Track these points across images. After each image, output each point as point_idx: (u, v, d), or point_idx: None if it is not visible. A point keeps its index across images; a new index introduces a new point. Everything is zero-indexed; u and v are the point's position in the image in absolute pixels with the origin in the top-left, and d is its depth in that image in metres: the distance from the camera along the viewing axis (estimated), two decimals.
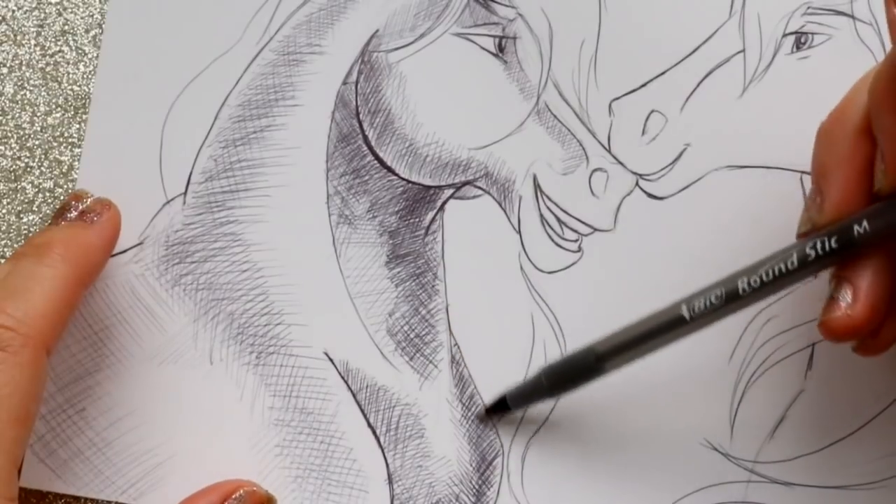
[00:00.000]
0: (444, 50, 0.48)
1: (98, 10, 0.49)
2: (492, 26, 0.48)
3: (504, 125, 0.48)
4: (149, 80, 0.48)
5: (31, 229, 0.48)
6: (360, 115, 0.48)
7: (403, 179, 0.48)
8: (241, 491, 0.44)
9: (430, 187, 0.48)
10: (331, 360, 0.47)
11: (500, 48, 0.48)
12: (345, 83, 0.48)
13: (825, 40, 0.48)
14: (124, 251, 0.47)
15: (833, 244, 0.39)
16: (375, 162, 0.48)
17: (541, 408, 0.47)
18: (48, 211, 0.48)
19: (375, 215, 0.47)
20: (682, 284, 0.47)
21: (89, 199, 0.45)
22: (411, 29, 0.48)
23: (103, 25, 0.48)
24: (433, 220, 0.48)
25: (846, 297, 0.39)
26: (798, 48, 0.48)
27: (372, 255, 0.47)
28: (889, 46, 0.39)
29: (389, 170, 0.48)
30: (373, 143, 0.48)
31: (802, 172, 0.47)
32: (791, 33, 0.48)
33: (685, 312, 0.41)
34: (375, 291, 0.47)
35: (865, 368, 0.47)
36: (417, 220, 0.48)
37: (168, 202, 0.47)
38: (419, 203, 0.48)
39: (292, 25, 0.48)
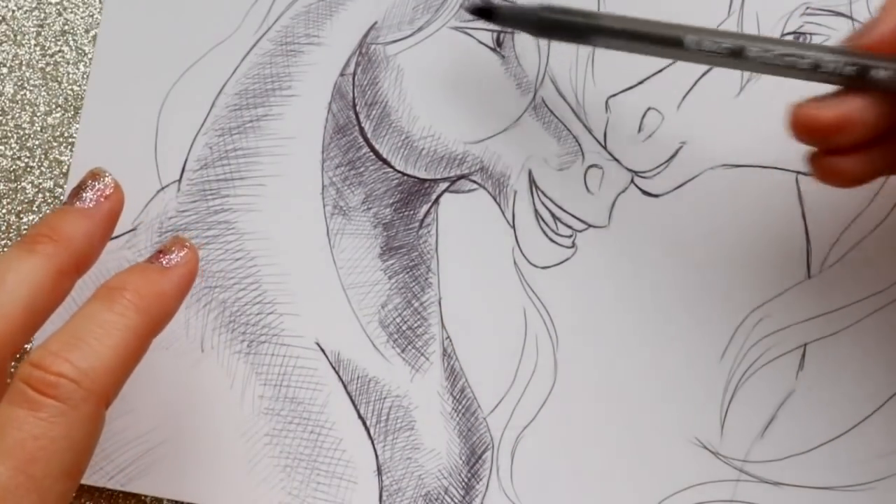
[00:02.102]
0: (442, 43, 0.48)
1: (98, 10, 0.49)
2: None
3: (500, 120, 0.48)
4: (146, 66, 0.48)
5: None
6: (357, 107, 0.48)
7: (399, 172, 0.48)
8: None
9: (425, 180, 0.48)
10: (322, 350, 0.47)
11: (498, 43, 0.48)
12: (342, 75, 0.48)
13: (823, 41, 0.48)
14: (117, 237, 0.47)
15: (848, 70, 0.40)
16: (371, 154, 0.48)
17: (531, 403, 0.47)
18: (48, 211, 0.48)
19: (370, 207, 0.47)
20: (676, 282, 0.47)
21: (174, 246, 0.43)
22: (410, 22, 0.48)
23: (101, 13, 0.48)
24: (428, 213, 0.48)
25: (828, 101, 0.40)
26: None
27: (366, 247, 0.47)
28: None
29: (385, 162, 0.48)
30: (369, 135, 0.48)
31: (798, 172, 0.47)
32: (789, 33, 0.48)
33: (689, 43, 0.41)
34: (368, 283, 0.47)
35: (856, 370, 0.47)
36: (412, 212, 0.48)
37: (162, 189, 0.47)
38: (414, 196, 0.48)
39: (291, 16, 0.48)
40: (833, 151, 0.40)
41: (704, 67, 0.47)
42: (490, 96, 0.48)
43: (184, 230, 0.47)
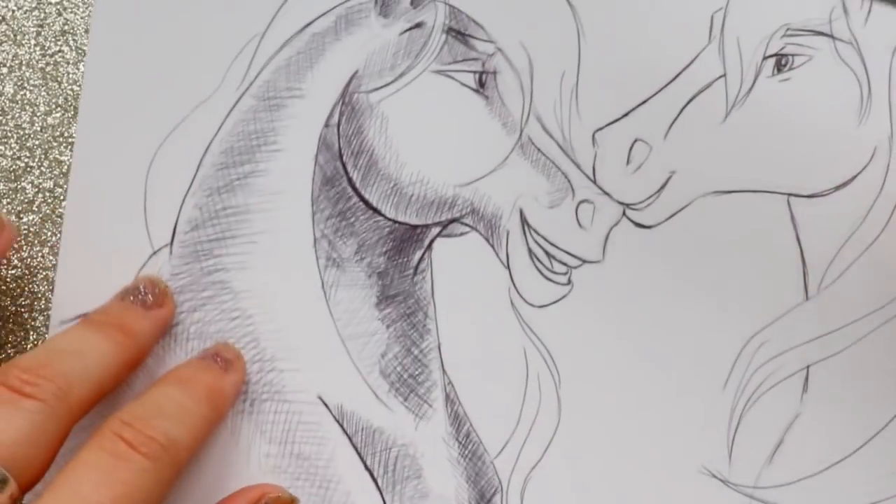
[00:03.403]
0: (425, 88, 0.48)
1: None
2: (471, 62, 0.48)
3: (488, 161, 0.48)
4: (130, 130, 0.48)
5: (31, 229, 0.48)
6: (344, 157, 0.48)
7: (390, 220, 0.47)
8: (267, 497, 0.44)
9: (416, 226, 0.47)
10: (325, 404, 0.47)
11: (481, 83, 0.48)
12: (327, 125, 0.48)
13: (805, 61, 0.47)
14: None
15: None
16: (361, 203, 0.47)
17: (537, 443, 0.47)
18: (48, 211, 0.48)
19: (363, 257, 0.47)
20: (674, 312, 0.47)
21: (223, 348, 0.46)
22: (391, 68, 0.48)
23: (82, 81, 0.48)
24: (421, 258, 0.47)
25: None
26: (779, 70, 0.47)
27: (361, 297, 0.47)
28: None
29: (375, 211, 0.47)
30: (357, 185, 0.48)
31: (789, 195, 0.47)
32: (771, 55, 0.47)
33: None
34: (367, 333, 0.47)
35: (861, 388, 0.47)
36: (405, 259, 0.47)
37: (154, 253, 0.47)
38: (406, 242, 0.47)
39: (272, 70, 0.48)
40: None
41: (689, 95, 0.47)
42: (476, 138, 0.48)
43: (179, 293, 0.47)
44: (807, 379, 0.47)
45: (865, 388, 0.47)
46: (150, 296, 0.46)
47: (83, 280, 0.47)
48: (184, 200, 0.47)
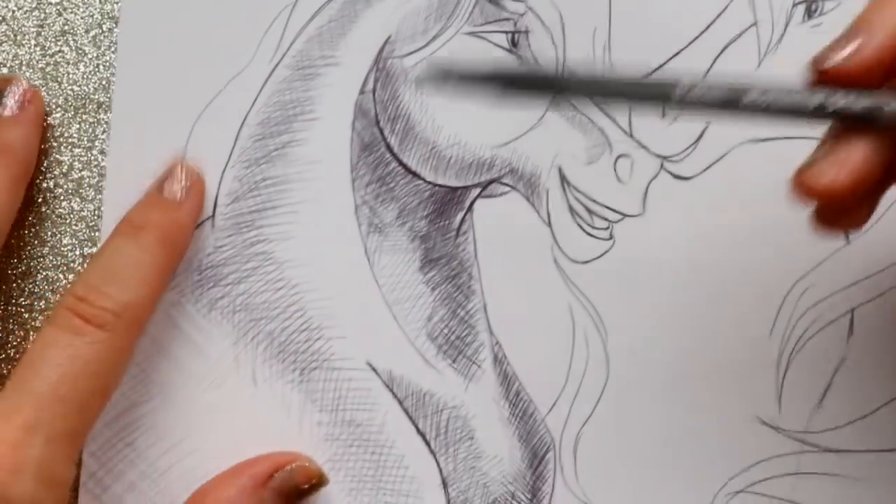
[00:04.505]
0: (458, 50, 0.48)
1: (98, 10, 0.49)
2: (503, 22, 0.48)
3: (524, 120, 0.48)
4: (166, 107, 0.47)
5: (31, 229, 0.48)
6: (381, 123, 0.48)
7: (429, 183, 0.48)
8: (294, 465, 0.45)
9: (456, 188, 0.48)
10: (374, 370, 0.47)
11: (514, 43, 0.48)
12: (362, 92, 0.48)
13: (835, 6, 0.47)
14: None
15: (861, 109, 0.36)
16: (400, 168, 0.48)
17: (587, 399, 0.47)
18: (48, 211, 0.48)
19: (405, 221, 0.47)
20: (716, 262, 0.47)
21: (178, 170, 0.46)
22: (423, 32, 0.48)
23: (115, 50, 0.48)
24: (463, 220, 0.47)
25: (832, 161, 0.36)
26: (809, 17, 0.48)
27: (405, 262, 0.47)
28: None
29: (415, 175, 0.48)
30: (395, 150, 0.48)
31: None
32: (801, 2, 0.48)
33: (676, 94, 0.37)
34: (412, 297, 0.47)
35: None
36: (447, 222, 0.47)
37: (196, 227, 0.47)
38: (447, 205, 0.48)
39: (304, 40, 0.48)
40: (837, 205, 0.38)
41: (721, 45, 0.47)
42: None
43: (223, 265, 0.47)
44: (852, 322, 0.47)
45: None
46: (11, 98, 0.46)
47: None
48: (223, 173, 0.47)
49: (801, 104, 0.37)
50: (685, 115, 0.39)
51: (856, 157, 0.36)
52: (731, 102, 0.37)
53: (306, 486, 0.45)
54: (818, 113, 0.37)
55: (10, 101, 0.46)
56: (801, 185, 0.37)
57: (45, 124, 0.47)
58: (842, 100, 0.36)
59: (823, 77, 0.37)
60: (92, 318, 0.42)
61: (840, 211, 0.38)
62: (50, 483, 0.40)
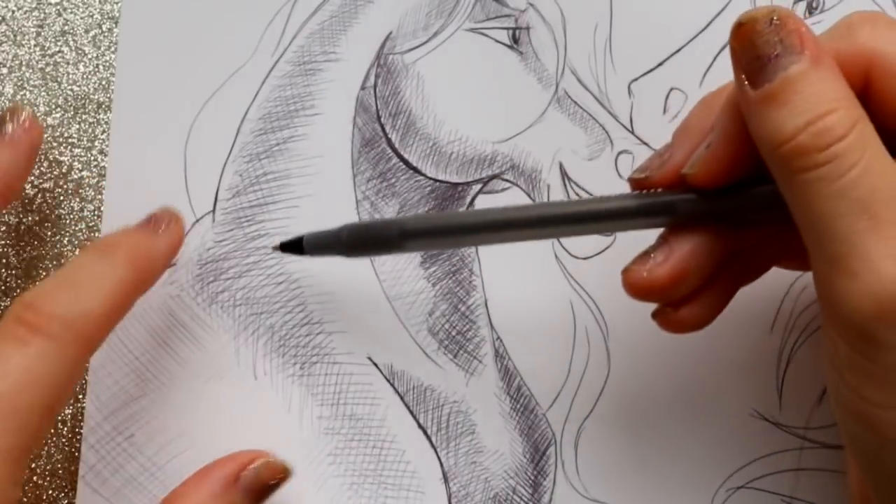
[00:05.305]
0: (459, 46, 0.48)
1: (98, 10, 0.49)
2: (504, 18, 0.48)
3: (525, 116, 0.48)
4: (166, 106, 0.48)
5: (32, 229, 0.48)
6: (382, 119, 0.48)
7: (431, 179, 0.48)
8: (258, 462, 0.44)
9: (457, 184, 0.48)
10: (375, 364, 0.47)
11: (515, 39, 0.48)
12: (363, 88, 0.48)
13: (836, 3, 0.48)
14: None
15: (657, 207, 0.40)
16: (401, 164, 0.48)
17: (588, 394, 0.47)
18: (48, 211, 0.48)
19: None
20: None
21: (164, 216, 0.45)
22: (424, 28, 0.48)
23: (115, 50, 0.48)
24: None
25: (658, 257, 0.39)
26: (810, 13, 0.48)
27: (406, 257, 0.47)
28: None
29: (416, 170, 0.48)
30: (397, 146, 0.48)
31: None
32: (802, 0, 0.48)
33: (493, 226, 0.41)
34: (413, 292, 0.47)
35: None
36: None
37: (197, 221, 0.47)
38: (448, 201, 0.48)
39: (305, 35, 0.48)
40: (674, 301, 0.40)
41: (722, 41, 0.47)
42: (512, 94, 0.48)
43: (223, 260, 0.47)
44: None
45: None
46: (11, 125, 0.45)
47: None
48: (224, 168, 0.47)
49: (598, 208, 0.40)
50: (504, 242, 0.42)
51: (681, 251, 0.39)
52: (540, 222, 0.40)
53: (273, 482, 0.44)
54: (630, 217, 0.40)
55: (10, 127, 0.45)
56: (632, 284, 0.40)
57: (35, 153, 0.46)
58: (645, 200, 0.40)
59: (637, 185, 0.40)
60: (38, 326, 0.38)
61: (673, 306, 0.40)
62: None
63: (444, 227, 0.41)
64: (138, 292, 0.42)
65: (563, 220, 0.40)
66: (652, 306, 0.41)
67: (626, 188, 0.47)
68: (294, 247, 0.44)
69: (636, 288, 0.40)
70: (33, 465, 0.46)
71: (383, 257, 0.47)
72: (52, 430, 0.46)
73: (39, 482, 0.46)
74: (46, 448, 0.46)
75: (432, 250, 0.44)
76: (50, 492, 0.46)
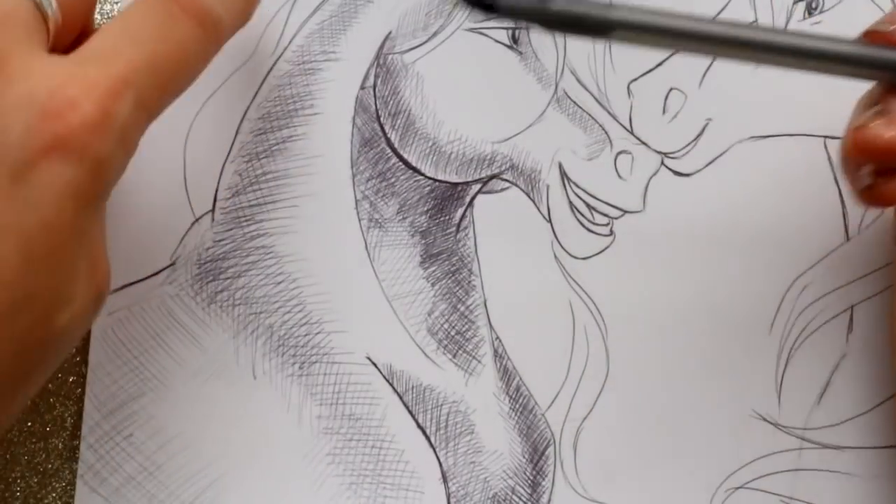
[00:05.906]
0: (459, 46, 0.48)
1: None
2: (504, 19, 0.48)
3: (525, 116, 0.48)
4: None
5: None
6: (381, 119, 0.48)
7: (430, 178, 0.48)
8: None
9: (457, 184, 0.48)
10: (374, 364, 0.47)
11: (514, 39, 0.48)
12: (363, 88, 0.48)
13: (836, 3, 0.48)
14: (157, 273, 0.47)
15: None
16: (400, 163, 0.48)
17: (587, 394, 0.47)
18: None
19: (405, 216, 0.47)
20: (716, 258, 0.47)
21: None
22: (424, 28, 0.48)
23: None
24: (463, 216, 0.47)
25: (886, 120, 0.37)
26: (810, 14, 0.48)
27: (405, 257, 0.47)
28: None
29: (415, 170, 0.48)
30: (396, 145, 0.48)
31: (826, 137, 0.47)
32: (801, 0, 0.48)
33: (717, 33, 0.39)
34: (412, 292, 0.47)
35: None
36: (447, 217, 0.47)
37: (196, 220, 0.47)
38: (448, 200, 0.48)
39: (305, 35, 0.48)
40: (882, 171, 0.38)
41: None
42: (512, 94, 0.48)
43: (222, 259, 0.47)
44: (851, 319, 0.47)
45: None
46: None
47: (125, 250, 0.47)
48: (223, 167, 0.47)
49: (830, 48, 0.38)
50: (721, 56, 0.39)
51: None
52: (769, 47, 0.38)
53: None
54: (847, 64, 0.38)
55: None
56: (859, 142, 0.36)
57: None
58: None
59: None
60: (190, 10, 0.38)
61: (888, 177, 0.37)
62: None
63: (659, 27, 0.39)
64: (248, 17, 0.42)
65: (789, 52, 0.38)
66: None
67: (626, 188, 0.48)
68: (486, 6, 0.39)
69: (862, 146, 0.36)
70: (33, 465, 0.46)
71: (383, 256, 0.47)
72: (51, 429, 0.46)
73: (39, 481, 0.46)
74: (45, 448, 0.46)
75: (638, 44, 0.40)
76: (49, 491, 0.46)
